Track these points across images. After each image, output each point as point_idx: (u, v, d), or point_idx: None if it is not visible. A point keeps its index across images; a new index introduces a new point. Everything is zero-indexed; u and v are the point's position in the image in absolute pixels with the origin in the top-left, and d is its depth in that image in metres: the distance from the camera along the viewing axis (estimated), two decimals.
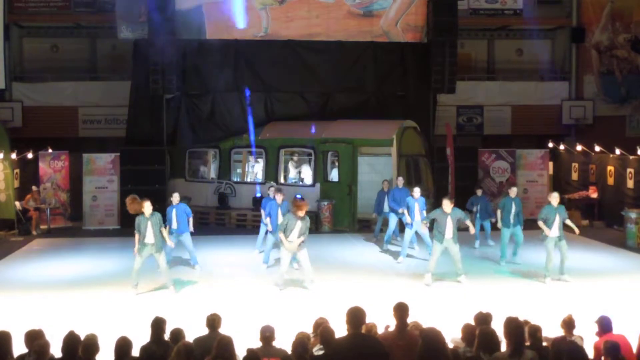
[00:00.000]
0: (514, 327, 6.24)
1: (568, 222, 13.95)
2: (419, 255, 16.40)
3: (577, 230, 14.44)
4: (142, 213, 12.82)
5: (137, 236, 12.89)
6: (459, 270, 13.72)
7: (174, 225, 14.58)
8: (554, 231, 13.63)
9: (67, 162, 21.74)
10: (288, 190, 20.20)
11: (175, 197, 15.00)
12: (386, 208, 17.24)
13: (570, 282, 13.63)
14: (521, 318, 7.44)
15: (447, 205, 13.47)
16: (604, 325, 7.39)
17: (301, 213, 12.77)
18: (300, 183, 21.21)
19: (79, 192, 21.36)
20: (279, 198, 14.88)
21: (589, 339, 7.60)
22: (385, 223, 17.43)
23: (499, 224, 15.68)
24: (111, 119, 24.22)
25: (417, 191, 15.60)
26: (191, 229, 14.89)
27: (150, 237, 12.77)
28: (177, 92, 21.88)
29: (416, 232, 15.97)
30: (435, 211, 13.89)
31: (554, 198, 13.79)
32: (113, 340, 6.76)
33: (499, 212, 15.71)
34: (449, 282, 13.74)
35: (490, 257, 16.28)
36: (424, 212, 15.54)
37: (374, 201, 17.93)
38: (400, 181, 17.06)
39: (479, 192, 17.86)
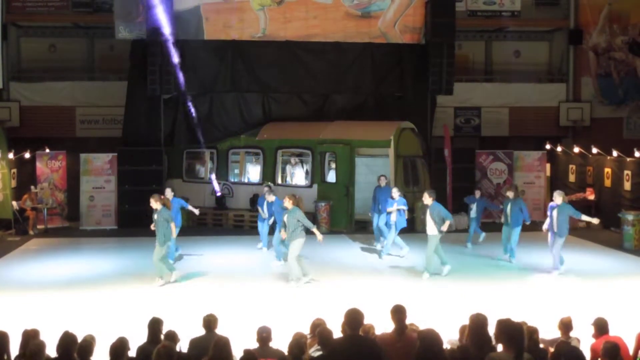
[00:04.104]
0: (514, 331, 6.11)
1: (585, 217, 14.85)
2: (411, 256, 16.36)
3: (594, 221, 14.87)
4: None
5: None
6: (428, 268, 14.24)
7: None
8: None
9: (64, 162, 21.71)
10: (285, 191, 20.23)
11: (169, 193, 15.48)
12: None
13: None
14: (519, 319, 7.45)
15: (425, 197, 14.16)
16: (601, 327, 7.41)
17: (287, 205, 13.58)
18: (298, 184, 21.18)
19: (76, 192, 21.33)
20: (270, 198, 15.95)
21: (585, 340, 7.62)
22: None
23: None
24: (109, 119, 24.19)
25: (395, 192, 15.94)
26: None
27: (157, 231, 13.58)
28: (175, 93, 21.87)
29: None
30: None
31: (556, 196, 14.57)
32: (110, 341, 6.76)
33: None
34: (447, 283, 13.76)
35: (488, 257, 16.31)
36: (405, 211, 15.91)
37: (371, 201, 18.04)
38: (383, 180, 17.22)
39: (477, 194, 17.95)
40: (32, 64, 25.18)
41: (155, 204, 13.62)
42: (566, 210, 14.37)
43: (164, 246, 13.59)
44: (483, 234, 17.72)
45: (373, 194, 17.33)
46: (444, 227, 13.98)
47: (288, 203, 13.56)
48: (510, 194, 15.89)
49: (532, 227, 17.67)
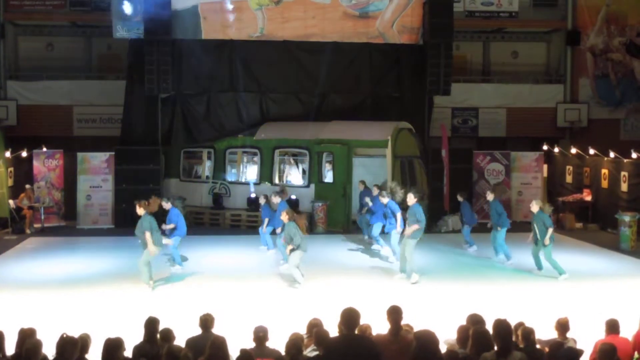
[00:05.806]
0: (501, 328, 6.24)
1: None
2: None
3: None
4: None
5: None
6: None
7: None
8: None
9: (61, 160, 21.67)
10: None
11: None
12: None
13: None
14: (515, 320, 7.47)
15: (409, 197, 14.00)
16: (612, 327, 7.52)
17: (283, 219, 13.66)
18: (295, 184, 21.16)
19: (73, 191, 21.28)
20: (276, 200, 15.84)
21: (582, 341, 7.63)
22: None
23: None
24: (106, 118, 24.20)
25: (383, 198, 15.66)
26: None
27: None
28: (172, 92, 21.84)
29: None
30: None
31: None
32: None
33: None
34: (444, 283, 13.77)
35: (484, 258, 16.33)
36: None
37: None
38: (361, 185, 18.40)
39: (459, 198, 17.41)
40: (29, 62, 25.17)
41: (138, 209, 13.23)
42: (540, 218, 14.29)
43: (159, 247, 13.45)
44: (474, 246, 17.49)
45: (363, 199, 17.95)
46: (407, 231, 13.79)
47: (284, 217, 13.57)
48: (489, 197, 16.13)
49: (526, 228, 17.66)
